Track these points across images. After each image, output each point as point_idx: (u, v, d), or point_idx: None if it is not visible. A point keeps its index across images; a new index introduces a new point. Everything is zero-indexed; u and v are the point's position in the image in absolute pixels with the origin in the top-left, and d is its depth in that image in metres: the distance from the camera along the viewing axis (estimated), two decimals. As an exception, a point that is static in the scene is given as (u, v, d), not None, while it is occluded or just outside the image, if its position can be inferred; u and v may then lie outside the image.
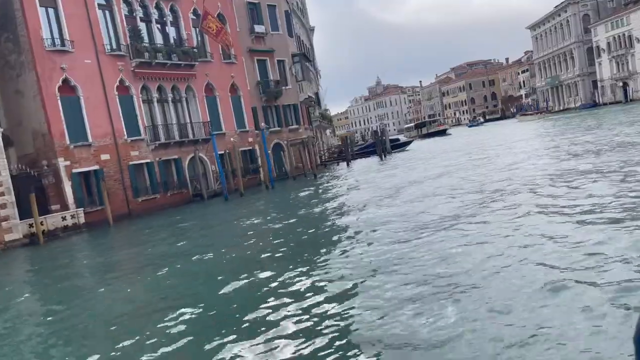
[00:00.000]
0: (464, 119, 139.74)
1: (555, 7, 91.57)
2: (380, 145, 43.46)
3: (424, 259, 8.40)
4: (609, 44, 78.01)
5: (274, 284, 8.50)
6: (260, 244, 12.81)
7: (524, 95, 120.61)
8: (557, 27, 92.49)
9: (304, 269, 9.14)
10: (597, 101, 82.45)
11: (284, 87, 38.33)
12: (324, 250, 10.60)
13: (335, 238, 11.79)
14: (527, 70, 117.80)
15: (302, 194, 24.88)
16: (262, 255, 11.13)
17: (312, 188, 27.03)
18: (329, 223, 14.26)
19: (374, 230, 11.59)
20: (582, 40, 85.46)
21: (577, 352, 4.59)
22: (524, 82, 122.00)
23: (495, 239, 8.86)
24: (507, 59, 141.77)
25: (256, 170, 34.06)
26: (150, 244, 16.27)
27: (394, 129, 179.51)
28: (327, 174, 36.05)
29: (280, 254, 10.95)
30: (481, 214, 11.25)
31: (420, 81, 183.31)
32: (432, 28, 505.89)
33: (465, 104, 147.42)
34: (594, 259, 6.86)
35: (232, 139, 30.67)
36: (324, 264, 9.39)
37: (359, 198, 18.14)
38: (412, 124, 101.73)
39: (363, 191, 20.32)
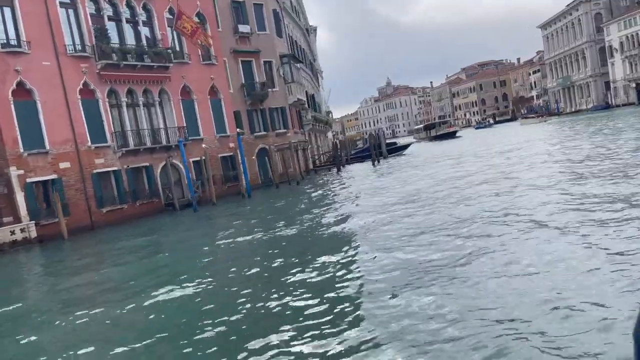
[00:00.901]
0: (475, 120, 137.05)
1: (567, 5, 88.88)
2: (373, 150, 41.55)
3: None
4: (621, 43, 75.25)
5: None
6: (212, 272, 11.01)
7: (535, 97, 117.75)
8: (569, 26, 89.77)
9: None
10: (609, 103, 79.66)
11: (270, 90, 36.60)
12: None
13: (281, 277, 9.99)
14: (539, 70, 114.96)
15: (277, 204, 23.13)
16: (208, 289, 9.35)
17: (289, 198, 25.27)
18: (276, 252, 12.46)
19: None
20: (594, 39, 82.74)
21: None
22: (535, 82, 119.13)
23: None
24: (518, 59, 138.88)
25: (236, 178, 32.36)
26: (92, 265, 14.61)
27: (404, 130, 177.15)
28: (313, 181, 34.21)
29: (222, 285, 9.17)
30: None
31: (431, 82, 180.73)
32: (445, 28, 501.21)
33: (476, 105, 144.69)
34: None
35: (203, 145, 28.91)
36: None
37: (315, 220, 16.30)
38: (421, 126, 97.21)
39: (324, 211, 18.47)
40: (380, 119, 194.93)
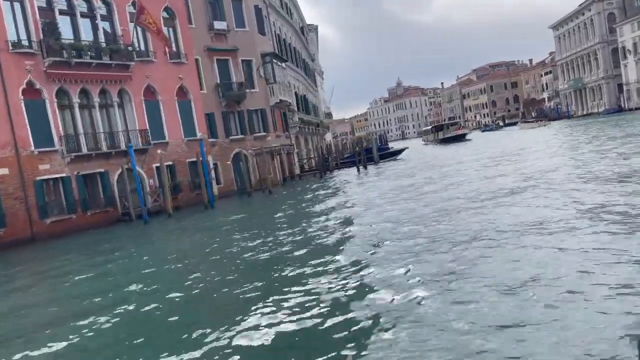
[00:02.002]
0: (486, 122, 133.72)
1: (579, 5, 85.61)
2: (359, 156, 39.27)
3: None
4: (635, 44, 71.90)
5: None
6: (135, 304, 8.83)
7: (546, 99, 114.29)
8: (581, 26, 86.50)
9: None
10: (622, 106, 76.30)
11: (249, 90, 34.40)
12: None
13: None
14: (551, 72, 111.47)
15: (237, 218, 20.95)
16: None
17: (257, 211, 23.13)
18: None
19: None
20: (607, 40, 79.46)
21: None
22: (546, 84, 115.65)
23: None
24: (530, 60, 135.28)
25: (208, 184, 30.23)
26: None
27: (414, 132, 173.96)
28: (291, 189, 31.91)
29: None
30: None
31: (442, 83, 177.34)
32: (462, 28, 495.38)
33: (486, 107, 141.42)
34: None
35: (159, 151, 26.73)
36: None
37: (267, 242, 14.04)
38: (430, 127, 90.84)
39: (283, 232, 16.20)
40: (390, 119, 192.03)
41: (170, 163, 28.36)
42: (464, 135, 70.91)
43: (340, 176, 36.33)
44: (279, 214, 19.21)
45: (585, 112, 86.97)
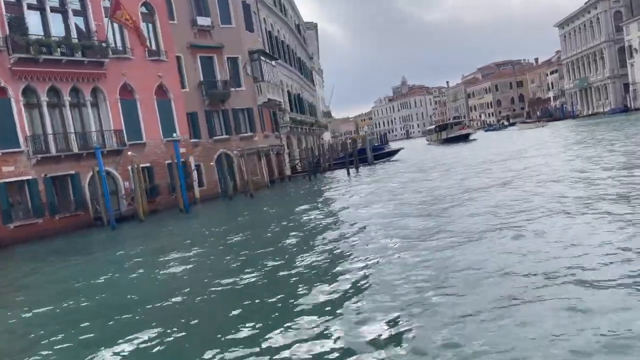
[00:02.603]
0: (490, 121, 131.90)
1: (585, 3, 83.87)
2: (350, 158, 38.09)
3: None
4: (642, 43, 70.17)
5: None
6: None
7: (552, 98, 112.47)
8: (587, 24, 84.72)
9: None
10: (628, 106, 74.56)
11: (234, 89, 33.20)
12: None
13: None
14: (557, 71, 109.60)
15: (212, 223, 19.82)
16: None
17: (235, 216, 21.97)
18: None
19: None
20: (613, 39, 77.70)
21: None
22: (552, 83, 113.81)
23: None
24: (536, 59, 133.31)
25: (189, 187, 29.10)
26: None
27: (419, 131, 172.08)
28: (277, 192, 30.72)
29: None
30: None
31: (447, 82, 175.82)
32: (471, 26, 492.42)
33: (491, 106, 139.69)
34: None
35: (129, 153, 25.55)
36: None
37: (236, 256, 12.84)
38: (433, 127, 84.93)
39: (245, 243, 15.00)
40: (395, 119, 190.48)
41: (148, 165, 27.22)
42: (467, 135, 67.84)
43: (330, 178, 35.11)
44: (240, 219, 18.02)
45: (590, 112, 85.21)
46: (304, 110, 50.71)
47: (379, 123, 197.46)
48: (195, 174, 29.84)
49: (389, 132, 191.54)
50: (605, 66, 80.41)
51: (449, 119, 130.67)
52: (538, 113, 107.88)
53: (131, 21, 24.97)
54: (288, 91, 44.49)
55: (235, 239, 14.47)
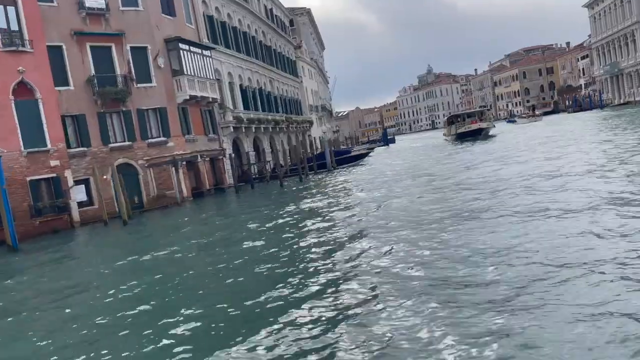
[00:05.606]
0: (518, 111, 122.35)
1: (615, -21, 74.51)
2: (301, 165, 32.02)
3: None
4: (678, 21, 61.04)
5: None
6: None
7: (583, 85, 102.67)
8: (617, 4, 75.23)
9: None
10: (663, 94, 65.49)
11: (141, 85, 27.48)
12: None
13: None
14: (587, 56, 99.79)
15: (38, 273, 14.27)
16: None
17: (82, 258, 16.40)
18: None
19: None
20: (646, 18, 68.41)
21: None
22: (583, 70, 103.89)
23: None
24: (567, 43, 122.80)
25: (63, 209, 23.62)
26: None
27: (445, 122, 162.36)
28: (178, 213, 24.86)
29: None
30: None
31: (475, 69, 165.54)
32: (496, 11, 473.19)
33: (519, 95, 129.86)
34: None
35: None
36: None
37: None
38: (445, 119, 71.16)
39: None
40: (420, 109, 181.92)
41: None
42: (480, 130, 50.54)
43: (263, 189, 29.17)
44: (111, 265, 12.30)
45: (622, 101, 75.97)
46: (269, 106, 44.50)
47: (404, 113, 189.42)
48: (76, 191, 24.34)
49: (414, 123, 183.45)
50: (637, 50, 71.12)
51: (475, 109, 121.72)
52: (567, 102, 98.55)
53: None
54: (240, 85, 38.51)
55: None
